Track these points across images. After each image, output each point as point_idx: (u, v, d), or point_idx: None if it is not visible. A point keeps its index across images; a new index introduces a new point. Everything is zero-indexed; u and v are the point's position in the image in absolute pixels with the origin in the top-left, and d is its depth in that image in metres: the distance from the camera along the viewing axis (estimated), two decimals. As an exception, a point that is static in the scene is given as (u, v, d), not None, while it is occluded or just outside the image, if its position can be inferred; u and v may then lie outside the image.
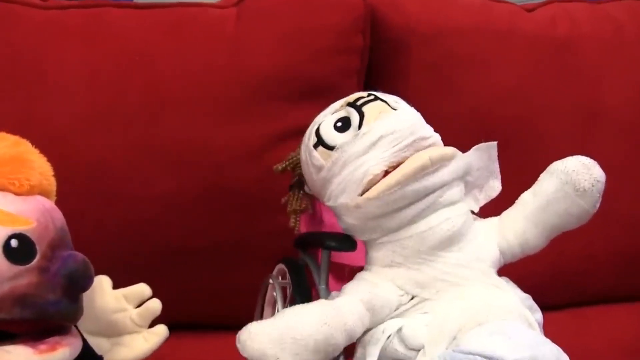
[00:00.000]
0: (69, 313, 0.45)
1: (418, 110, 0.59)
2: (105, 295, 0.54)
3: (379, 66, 0.84)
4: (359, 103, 0.55)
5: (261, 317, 0.67)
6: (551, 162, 0.57)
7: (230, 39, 0.77)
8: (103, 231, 0.73)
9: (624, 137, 0.87)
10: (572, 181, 0.53)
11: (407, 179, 0.51)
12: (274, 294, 0.65)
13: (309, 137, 0.57)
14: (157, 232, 0.76)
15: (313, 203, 0.65)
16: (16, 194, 0.45)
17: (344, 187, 0.53)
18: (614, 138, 0.87)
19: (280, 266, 0.63)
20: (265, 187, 0.75)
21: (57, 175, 0.69)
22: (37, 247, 0.43)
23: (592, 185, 0.53)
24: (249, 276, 0.71)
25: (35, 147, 0.72)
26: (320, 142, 0.55)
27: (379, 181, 0.51)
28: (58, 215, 0.47)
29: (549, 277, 0.86)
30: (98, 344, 0.52)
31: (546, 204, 0.54)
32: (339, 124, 0.54)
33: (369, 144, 0.52)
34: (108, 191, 0.73)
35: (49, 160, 0.70)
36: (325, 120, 0.56)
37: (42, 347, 0.43)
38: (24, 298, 0.41)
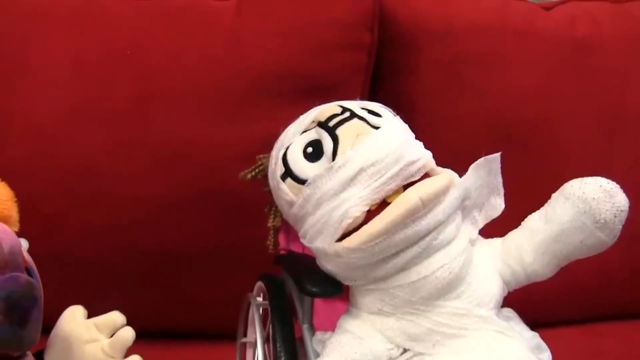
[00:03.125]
0: (12, 340, 0.42)
1: (428, 112, 0.54)
2: (75, 324, 0.51)
3: (387, 63, 0.81)
4: (331, 124, 0.47)
5: (244, 336, 0.64)
6: (570, 169, 0.52)
7: (229, 31, 0.74)
8: (88, 233, 0.71)
9: None
10: (591, 211, 0.46)
11: (394, 227, 0.44)
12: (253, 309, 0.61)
13: (276, 164, 0.50)
14: (145, 235, 0.74)
15: None
16: None
17: (320, 230, 0.46)
18: (636, 145, 0.84)
19: (260, 284, 0.58)
20: (258, 190, 0.70)
21: (39, 174, 0.67)
22: None
23: (615, 216, 0.46)
24: (241, 282, 0.67)
25: (16, 144, 0.71)
26: (288, 172, 0.48)
27: (360, 223, 0.45)
28: (9, 238, 0.44)
29: (562, 292, 0.83)
30: None
31: (559, 233, 0.48)
32: (309, 149, 0.47)
33: (346, 179, 0.45)
34: (93, 191, 0.71)
35: (30, 158, 0.68)
36: (294, 143, 0.49)
37: None
38: None
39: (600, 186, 0.46)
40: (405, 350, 0.47)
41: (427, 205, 0.44)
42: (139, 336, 0.51)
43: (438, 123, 0.78)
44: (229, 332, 0.67)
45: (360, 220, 0.44)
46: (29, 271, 0.44)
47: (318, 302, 0.54)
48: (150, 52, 0.73)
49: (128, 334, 0.50)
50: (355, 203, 0.44)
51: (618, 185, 0.48)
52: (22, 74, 0.72)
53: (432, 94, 0.81)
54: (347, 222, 0.44)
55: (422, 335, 0.46)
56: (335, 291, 0.48)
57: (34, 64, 0.72)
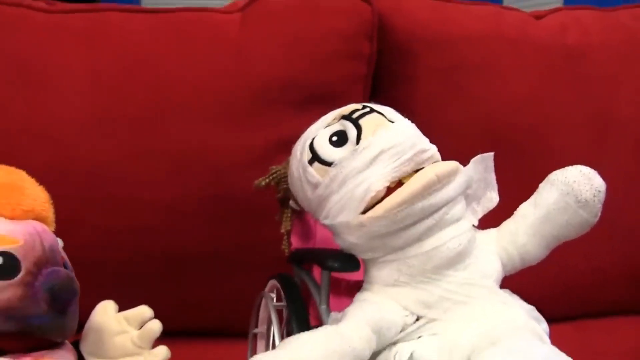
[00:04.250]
0: (54, 327, 0.46)
1: (426, 118, 0.58)
2: (107, 318, 0.54)
3: (386, 73, 0.83)
4: (354, 116, 0.52)
5: (257, 326, 0.66)
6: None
7: (235, 44, 0.76)
8: (104, 236, 0.73)
9: (636, 149, 0.87)
10: (573, 192, 0.52)
11: (414, 197, 0.49)
12: (269, 310, 0.64)
13: (302, 152, 0.54)
14: (157, 238, 0.76)
15: (304, 217, 0.64)
16: (9, 218, 0.47)
17: (344, 205, 0.51)
18: (626, 150, 0.87)
19: (273, 282, 0.61)
20: (268, 195, 0.71)
21: (57, 179, 0.69)
22: (22, 264, 0.45)
23: (594, 196, 0.52)
24: (250, 284, 0.69)
25: (36, 151, 0.73)
26: (315, 157, 0.52)
27: (381, 198, 0.49)
28: (49, 237, 0.48)
29: (555, 289, 0.86)
30: None
31: (546, 215, 0.53)
32: (335, 138, 0.52)
33: (370, 159, 0.50)
34: (108, 196, 0.73)
35: (49, 164, 0.71)
36: (319, 134, 0.54)
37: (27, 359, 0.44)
38: (6, 311, 0.43)
39: (580, 171, 0.52)
40: (418, 318, 0.51)
41: (441, 180, 0.49)
42: None
43: (436, 129, 0.78)
44: (237, 330, 0.70)
45: (381, 195, 0.49)
46: (65, 266, 0.48)
47: (331, 299, 0.57)
48: (162, 64, 0.75)
49: (156, 326, 0.53)
50: (377, 179, 0.49)
51: (595, 171, 0.53)
52: (42, 85, 0.74)
53: (430, 101, 0.82)
54: (370, 196, 0.49)
55: (434, 303, 0.50)
56: (354, 267, 0.53)
57: (53, 76, 0.74)
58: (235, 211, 0.76)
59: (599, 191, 0.52)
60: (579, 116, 0.86)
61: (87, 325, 0.51)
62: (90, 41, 0.76)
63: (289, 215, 0.59)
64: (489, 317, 0.50)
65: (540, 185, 0.54)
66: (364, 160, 0.50)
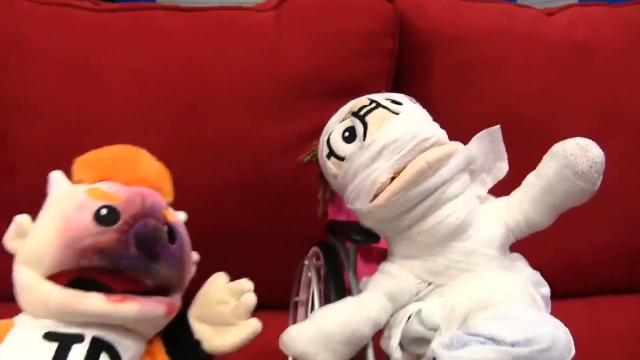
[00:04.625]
0: (142, 269, 0.51)
1: (443, 111, 0.62)
2: (215, 286, 0.59)
3: (406, 68, 0.87)
4: (361, 113, 0.57)
5: (298, 294, 0.73)
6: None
7: (269, 40, 0.81)
8: None
9: (638, 137, 0.90)
10: (570, 164, 0.53)
11: (408, 185, 0.53)
12: (309, 274, 0.71)
13: (322, 146, 0.59)
14: (200, 219, 0.74)
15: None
16: (122, 184, 0.54)
17: (357, 194, 0.56)
18: (630, 138, 0.90)
19: (315, 249, 0.68)
20: (300, 178, 0.78)
21: None
22: (121, 216, 0.51)
23: (590, 167, 0.53)
24: (284, 259, 0.75)
25: (91, 139, 0.78)
26: (331, 152, 0.58)
27: (386, 187, 0.54)
28: (153, 199, 0.54)
29: (561, 269, 0.89)
30: (202, 330, 0.57)
31: (547, 185, 0.55)
32: (347, 134, 0.57)
33: (374, 154, 0.55)
34: None
35: None
36: (335, 130, 0.58)
37: (115, 297, 0.50)
38: (102, 250, 0.49)
39: (577, 143, 0.54)
40: (429, 284, 0.56)
41: (432, 167, 0.54)
42: None
43: (452, 120, 0.80)
44: (277, 303, 0.73)
45: (386, 185, 0.54)
46: (170, 228, 0.54)
47: (360, 264, 0.63)
48: (201, 59, 0.80)
49: (249, 299, 0.58)
50: (381, 172, 0.54)
51: (593, 142, 0.54)
52: (93, 80, 0.79)
53: (447, 94, 0.86)
54: (376, 187, 0.55)
55: (440, 271, 0.56)
56: (374, 240, 0.59)
57: (102, 71, 0.79)
58: (270, 193, 0.81)
59: (596, 162, 0.53)
60: (586, 107, 0.89)
61: (199, 291, 0.57)
62: (135, 38, 0.81)
63: (325, 186, 0.64)
64: (486, 284, 0.54)
65: (544, 156, 0.56)
66: (370, 155, 0.55)
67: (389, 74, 0.85)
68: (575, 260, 0.91)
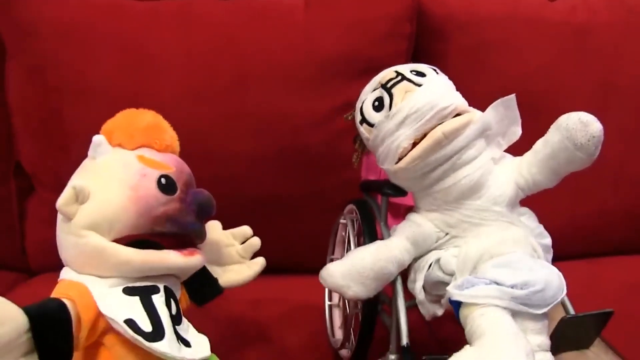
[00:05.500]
0: (199, 232, 0.59)
1: (456, 88, 0.64)
2: (219, 234, 0.67)
3: (423, 50, 0.93)
4: (388, 85, 0.62)
5: (333, 253, 0.81)
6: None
7: (301, 25, 0.87)
8: (198, 184, 0.83)
9: (636, 108, 0.96)
10: (571, 137, 0.57)
11: (426, 153, 0.59)
12: (343, 234, 0.79)
13: (356, 113, 0.65)
14: (243, 184, 0.87)
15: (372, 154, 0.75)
16: (157, 150, 0.60)
17: (385, 156, 0.62)
18: (628, 110, 0.95)
19: (351, 206, 0.75)
20: (332, 149, 0.86)
21: None
22: (177, 185, 0.57)
23: (588, 141, 0.57)
24: (318, 223, 0.82)
25: None
26: (363, 119, 0.64)
27: (408, 152, 0.60)
28: (186, 166, 0.61)
29: (567, 231, 0.94)
30: (213, 270, 0.65)
31: (551, 153, 0.60)
32: (376, 103, 0.63)
33: (398, 123, 0.60)
34: (203, 151, 0.83)
35: None
36: (367, 99, 0.64)
37: (185, 252, 0.57)
38: (172, 218, 0.55)
39: (579, 118, 0.58)
40: (446, 234, 0.63)
41: (448, 137, 0.59)
42: None
43: (464, 96, 0.83)
44: (310, 267, 0.77)
45: (408, 150, 0.61)
46: None
47: (389, 219, 0.70)
48: (242, 42, 0.86)
49: (256, 241, 0.67)
50: (404, 138, 0.60)
51: (594, 118, 0.58)
52: (144, 63, 0.85)
53: (460, 74, 0.83)
54: (400, 151, 0.61)
55: (455, 224, 0.62)
56: (401, 194, 0.66)
57: (153, 55, 0.86)
58: (305, 162, 0.87)
59: (593, 136, 0.57)
60: (586, 85, 0.94)
61: (205, 241, 0.62)
62: (181, 24, 0.87)
63: (362, 142, 0.69)
64: (494, 236, 0.60)
65: (551, 126, 0.61)
66: (394, 124, 0.60)
67: (407, 56, 0.91)
68: (581, 222, 0.96)
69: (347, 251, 0.76)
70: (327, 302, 0.82)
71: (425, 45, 0.94)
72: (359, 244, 0.72)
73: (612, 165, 0.96)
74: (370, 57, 0.88)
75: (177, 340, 0.54)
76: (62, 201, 0.52)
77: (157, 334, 0.52)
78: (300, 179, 0.89)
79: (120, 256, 0.53)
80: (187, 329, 0.57)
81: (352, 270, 0.61)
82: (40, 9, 0.88)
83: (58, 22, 0.88)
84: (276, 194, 0.88)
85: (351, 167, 0.81)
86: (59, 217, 0.55)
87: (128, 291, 0.53)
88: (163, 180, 0.56)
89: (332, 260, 0.81)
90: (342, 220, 0.79)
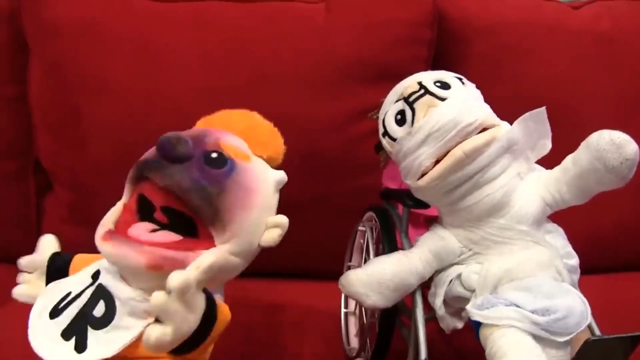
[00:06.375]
0: (157, 168, 0.52)
1: None
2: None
3: (443, 55, 0.92)
4: (411, 99, 0.60)
5: (350, 260, 0.80)
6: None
7: (320, 29, 0.87)
8: None
9: None
10: (602, 159, 0.55)
11: (447, 173, 0.57)
12: (361, 241, 0.78)
13: (379, 125, 0.64)
14: None
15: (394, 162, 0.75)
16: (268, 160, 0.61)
17: (407, 172, 0.61)
18: None
19: (369, 213, 0.75)
20: (349, 154, 0.85)
21: None
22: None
23: (621, 164, 0.55)
24: (333, 229, 0.81)
25: (156, 118, 0.84)
26: (385, 132, 0.62)
27: (431, 169, 0.59)
28: (218, 133, 0.58)
29: (585, 244, 0.83)
30: None
31: (581, 173, 0.58)
32: (399, 117, 0.61)
33: (420, 141, 0.58)
34: None
35: (168, 127, 0.81)
36: (389, 111, 0.62)
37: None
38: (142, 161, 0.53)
39: (611, 139, 0.55)
40: (469, 249, 0.62)
41: (469, 156, 0.57)
42: (254, 275, 0.64)
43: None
44: (328, 273, 0.78)
45: (430, 168, 0.59)
46: (222, 157, 0.54)
47: (409, 229, 0.70)
48: (258, 45, 0.86)
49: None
50: (426, 157, 0.59)
51: (629, 138, 0.55)
52: (160, 63, 0.85)
53: (479, 81, 0.83)
54: (421, 170, 0.60)
55: (479, 241, 0.61)
56: (424, 206, 0.65)
57: (169, 55, 0.86)
58: (321, 167, 0.87)
59: (627, 159, 0.54)
60: (609, 94, 0.93)
61: None
62: (198, 25, 0.87)
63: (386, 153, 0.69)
64: (516, 257, 0.59)
65: (582, 143, 0.58)
66: (416, 142, 0.59)
67: (427, 61, 0.91)
68: (599, 235, 0.95)
69: (364, 259, 0.75)
70: (342, 310, 0.81)
71: (445, 49, 0.93)
72: (377, 252, 0.71)
73: (633, 177, 0.93)
74: (389, 62, 0.88)
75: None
76: None
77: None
78: (316, 184, 0.89)
79: None
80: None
81: (372, 279, 0.61)
82: (62, 8, 0.88)
83: (78, 21, 0.88)
84: (290, 198, 0.82)
85: (367, 173, 0.81)
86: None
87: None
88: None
89: (349, 267, 0.80)
90: (360, 228, 0.78)
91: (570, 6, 0.98)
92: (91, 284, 0.53)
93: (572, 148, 0.60)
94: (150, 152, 0.53)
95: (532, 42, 0.93)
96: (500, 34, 0.92)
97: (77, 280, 0.55)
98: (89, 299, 0.52)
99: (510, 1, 0.96)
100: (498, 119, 0.61)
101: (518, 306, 0.54)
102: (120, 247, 0.49)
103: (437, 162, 0.59)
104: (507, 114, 0.90)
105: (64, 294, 0.54)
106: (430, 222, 0.67)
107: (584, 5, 0.99)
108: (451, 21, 0.92)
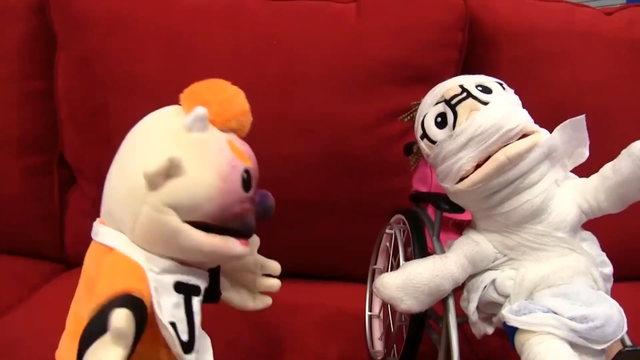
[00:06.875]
0: (253, 233, 0.56)
1: None
2: (252, 253, 0.63)
3: (475, 59, 0.92)
4: (453, 102, 0.60)
5: (375, 263, 0.79)
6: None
7: (352, 29, 0.86)
8: None
9: None
10: None
11: (488, 177, 0.57)
12: (387, 244, 0.77)
13: (417, 127, 0.63)
14: (287, 187, 0.85)
15: (425, 165, 0.74)
16: (239, 137, 0.56)
17: (445, 175, 0.60)
18: None
19: (398, 216, 0.74)
20: (378, 155, 0.85)
21: None
22: (252, 183, 0.53)
23: None
24: (359, 230, 0.81)
25: None
26: (425, 134, 0.62)
27: (470, 174, 0.58)
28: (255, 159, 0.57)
29: (617, 253, 0.85)
30: (224, 282, 0.61)
31: (622, 181, 0.58)
32: (439, 119, 0.60)
33: (461, 145, 0.58)
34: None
35: None
36: (429, 113, 0.61)
37: (243, 241, 0.53)
38: (242, 217, 0.53)
39: None
40: (504, 255, 0.61)
41: (512, 161, 0.56)
42: (279, 276, 0.63)
43: None
44: (352, 274, 0.79)
45: (470, 173, 0.58)
46: None
47: (441, 233, 0.69)
48: (290, 43, 0.86)
49: (275, 284, 0.64)
50: (466, 161, 0.58)
51: None
52: (191, 59, 0.85)
53: (510, 85, 0.85)
54: (461, 173, 0.59)
55: (515, 247, 0.60)
56: (459, 210, 0.64)
57: (200, 51, 0.85)
58: (350, 168, 0.86)
59: None
60: None
61: None
62: (229, 22, 0.87)
63: (418, 152, 0.68)
64: (553, 262, 0.58)
65: (622, 151, 0.58)
66: (457, 145, 0.58)
67: (458, 64, 0.90)
68: (630, 242, 0.95)
69: (391, 262, 0.74)
70: (367, 313, 0.81)
71: (476, 54, 0.93)
72: (406, 255, 0.70)
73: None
74: (420, 64, 0.87)
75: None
76: (154, 170, 0.48)
77: (190, 345, 0.50)
78: (344, 185, 0.88)
79: (194, 241, 0.50)
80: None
81: (408, 283, 0.60)
82: (93, 2, 0.88)
83: (108, 15, 0.88)
84: (319, 198, 0.88)
85: (396, 175, 0.81)
86: (135, 179, 0.50)
87: (177, 287, 0.51)
88: (245, 176, 0.52)
89: (374, 270, 0.79)
90: (387, 230, 0.77)
91: (602, 12, 0.98)
92: (189, 296, 0.52)
93: (605, 156, 0.60)
94: (252, 215, 0.54)
95: (565, 47, 0.92)
96: (532, 39, 0.92)
97: None
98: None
99: (542, 6, 0.96)
100: (537, 126, 0.61)
101: (556, 313, 0.54)
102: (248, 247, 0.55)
103: (477, 166, 0.58)
104: (538, 120, 0.90)
105: None
106: (458, 226, 0.67)
107: (616, 11, 0.98)
108: (483, 25, 0.92)
